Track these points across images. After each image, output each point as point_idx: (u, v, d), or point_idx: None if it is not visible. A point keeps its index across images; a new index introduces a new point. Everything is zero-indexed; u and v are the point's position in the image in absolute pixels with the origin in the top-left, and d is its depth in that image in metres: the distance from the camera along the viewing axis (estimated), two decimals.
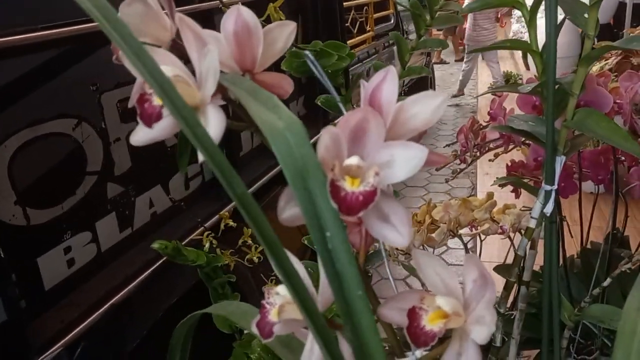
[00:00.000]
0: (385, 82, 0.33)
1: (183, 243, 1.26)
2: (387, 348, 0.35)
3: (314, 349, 0.32)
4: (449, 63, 8.60)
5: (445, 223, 1.22)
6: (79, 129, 1.04)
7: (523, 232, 1.25)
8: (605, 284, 0.78)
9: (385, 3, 3.25)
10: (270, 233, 0.24)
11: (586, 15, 0.80)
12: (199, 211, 1.35)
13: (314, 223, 0.27)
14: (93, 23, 0.23)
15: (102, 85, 1.09)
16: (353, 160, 0.28)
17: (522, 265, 0.87)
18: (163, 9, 0.31)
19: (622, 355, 0.27)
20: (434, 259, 0.32)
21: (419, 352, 0.34)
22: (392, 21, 3.33)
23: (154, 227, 1.23)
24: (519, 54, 6.35)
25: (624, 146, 0.70)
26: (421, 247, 1.25)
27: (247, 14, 0.35)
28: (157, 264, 1.16)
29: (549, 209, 0.80)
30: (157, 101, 0.28)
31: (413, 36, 4.21)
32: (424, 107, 0.32)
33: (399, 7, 3.37)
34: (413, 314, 0.31)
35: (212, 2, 1.35)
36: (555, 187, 0.78)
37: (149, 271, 1.15)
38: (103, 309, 1.03)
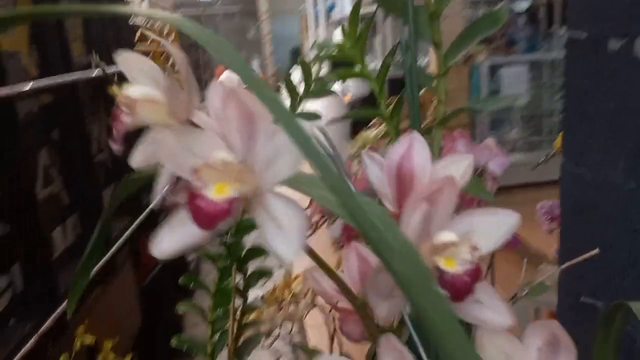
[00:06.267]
0: (415, 149, 0.31)
1: None
2: None
3: None
4: None
5: (305, 296, 1.20)
6: None
7: None
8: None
9: None
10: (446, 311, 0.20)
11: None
12: (16, 330, 1.12)
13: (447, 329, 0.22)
14: None
15: None
16: (450, 237, 0.25)
17: None
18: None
19: None
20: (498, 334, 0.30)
21: None
22: None
23: None
24: None
25: (481, 194, 0.77)
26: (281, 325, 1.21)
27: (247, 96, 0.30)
28: None
29: None
30: (216, 194, 0.22)
31: None
32: (456, 170, 0.31)
33: None
34: None
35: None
36: None
37: None
38: None
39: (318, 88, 0.74)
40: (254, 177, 0.24)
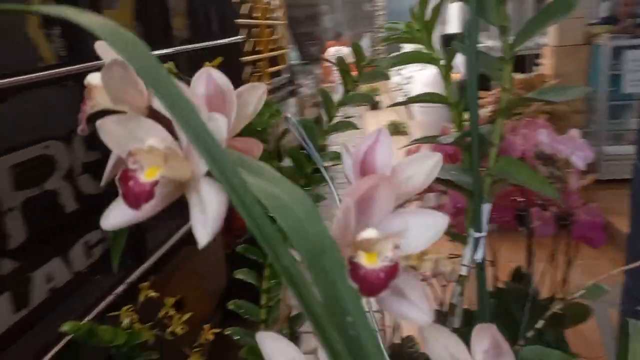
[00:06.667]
0: (379, 144, 0.31)
1: (87, 318, 1.15)
2: None
3: None
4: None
5: None
6: None
7: (444, 278, 1.26)
8: (539, 325, 0.80)
9: (277, 58, 3.33)
10: (315, 306, 0.21)
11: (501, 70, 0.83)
12: (103, 281, 1.24)
13: (334, 308, 0.24)
14: None
15: None
16: (370, 234, 0.25)
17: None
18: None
19: None
20: (443, 332, 0.30)
21: None
22: (286, 75, 3.40)
23: (53, 304, 1.11)
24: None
25: (543, 190, 0.73)
26: None
27: (219, 77, 0.32)
28: (59, 346, 1.03)
29: (479, 255, 0.81)
30: (146, 177, 0.24)
31: (303, 89, 4.29)
32: (420, 168, 0.31)
33: (291, 62, 3.45)
34: None
35: None
36: (484, 233, 0.80)
37: (49, 356, 1.02)
38: None
39: (373, 71, 0.74)
40: (188, 164, 0.26)
